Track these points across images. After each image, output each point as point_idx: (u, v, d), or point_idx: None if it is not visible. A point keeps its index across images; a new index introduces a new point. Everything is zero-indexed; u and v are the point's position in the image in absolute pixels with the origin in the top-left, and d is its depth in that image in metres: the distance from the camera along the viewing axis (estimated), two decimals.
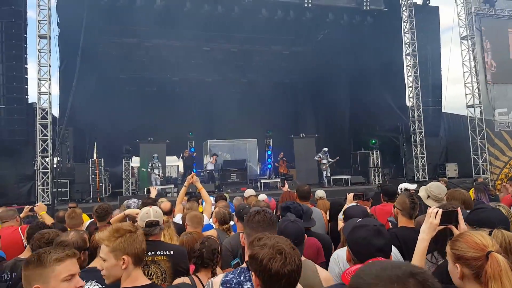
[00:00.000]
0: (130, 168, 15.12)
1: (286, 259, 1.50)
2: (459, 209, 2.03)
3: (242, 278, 1.83)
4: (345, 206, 4.04)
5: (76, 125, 14.41)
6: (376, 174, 16.23)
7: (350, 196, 4.31)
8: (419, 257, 1.98)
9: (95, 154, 16.33)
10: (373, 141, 16.49)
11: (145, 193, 12.44)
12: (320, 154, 15.96)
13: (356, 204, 3.66)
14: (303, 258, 2.31)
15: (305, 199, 4.70)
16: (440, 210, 1.99)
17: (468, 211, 2.36)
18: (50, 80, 12.56)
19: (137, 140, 15.48)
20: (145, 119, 17.17)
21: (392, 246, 2.59)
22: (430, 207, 3.00)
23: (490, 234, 1.64)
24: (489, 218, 2.05)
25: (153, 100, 17.85)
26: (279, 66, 18.88)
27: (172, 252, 2.62)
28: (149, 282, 1.96)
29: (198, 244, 2.40)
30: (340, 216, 3.82)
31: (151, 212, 2.67)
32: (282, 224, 2.36)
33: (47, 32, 12.52)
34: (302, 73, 19.02)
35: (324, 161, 15.81)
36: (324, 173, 15.87)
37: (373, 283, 0.86)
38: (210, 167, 16.07)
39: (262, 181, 15.71)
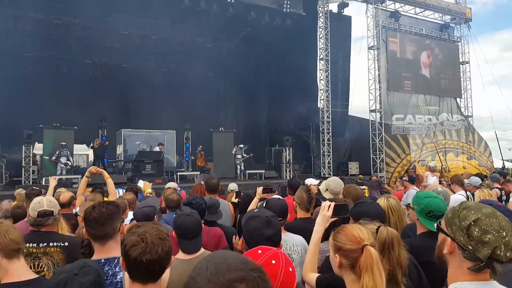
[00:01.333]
0: (31, 155, 13.70)
1: (147, 248, 1.54)
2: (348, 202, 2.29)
3: (117, 269, 1.88)
4: (255, 199, 4.26)
5: None
6: (288, 169, 17.14)
7: (259, 189, 4.53)
8: (313, 246, 2.17)
9: None
10: (286, 138, 17.38)
11: (43, 183, 11.44)
12: (235, 149, 16.37)
13: (279, 197, 3.85)
14: (202, 249, 2.43)
15: (213, 192, 4.79)
16: (333, 204, 2.20)
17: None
18: None
19: (41, 125, 14.09)
20: (51, 103, 15.57)
21: (303, 239, 2.80)
22: (326, 199, 3.34)
23: (377, 229, 1.81)
24: (368, 212, 2.31)
25: (61, 83, 16.26)
26: (201, 58, 18.71)
27: (66, 244, 2.53)
28: (33, 276, 1.86)
29: (85, 234, 2.34)
30: (253, 206, 4.01)
31: (44, 202, 2.55)
32: (178, 218, 2.39)
33: None
34: (224, 68, 19.10)
35: (239, 156, 16.29)
36: (238, 167, 16.31)
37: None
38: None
39: (179, 173, 15.51)
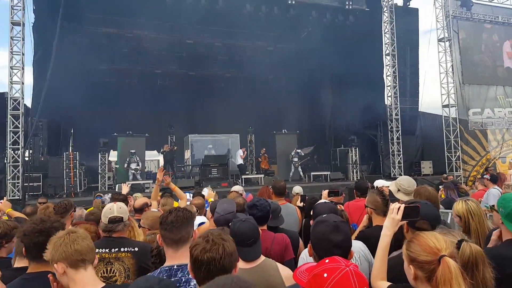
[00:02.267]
0: (106, 162, 14.79)
1: (208, 246, 1.55)
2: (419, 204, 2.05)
3: (190, 276, 1.84)
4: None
5: (51, 117, 13.98)
6: (355, 171, 16.50)
7: (325, 193, 4.34)
8: (381, 252, 2.00)
9: (70, 148, 15.91)
10: (351, 137, 16.87)
11: (116, 189, 12.25)
12: (292, 153, 16.33)
13: (324, 201, 3.67)
14: (263, 257, 2.34)
15: (280, 195, 4.67)
16: (403, 206, 2.01)
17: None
18: (23, 69, 12.14)
19: (115, 134, 15.18)
20: (124, 112, 16.72)
21: (363, 245, 2.64)
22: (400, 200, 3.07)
23: (458, 245, 1.64)
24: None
25: (133, 93, 17.43)
26: (263, 62, 18.83)
27: (136, 249, 2.58)
28: (101, 285, 1.89)
29: (154, 243, 2.36)
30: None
31: (115, 208, 2.62)
32: (235, 225, 2.35)
33: (21, 19, 12.07)
34: (286, 70, 19.04)
35: (295, 159, 16.22)
36: (293, 169, 16.28)
37: None
38: (240, 161, 16.36)
39: (244, 177, 15.72)
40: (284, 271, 2.26)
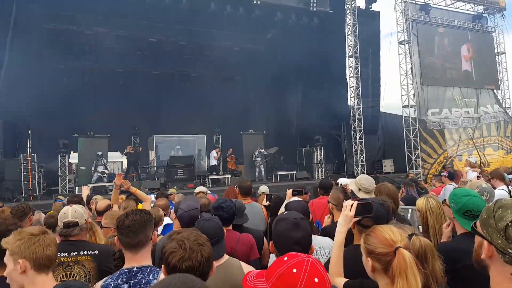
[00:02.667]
0: (67, 164, 14.21)
1: (186, 254, 1.52)
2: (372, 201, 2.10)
3: (119, 281, 1.86)
4: (285, 202, 4.13)
5: (6, 118, 13.29)
6: (319, 170, 16.85)
7: (289, 192, 4.39)
8: (337, 249, 2.03)
9: (28, 149, 15.12)
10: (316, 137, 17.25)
11: (76, 191, 11.81)
12: (255, 153, 16.50)
13: (298, 200, 3.74)
14: (226, 256, 2.35)
15: (246, 195, 4.69)
16: (356, 203, 2.06)
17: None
18: None
19: (75, 135, 14.61)
20: (85, 112, 16.15)
21: (330, 240, 2.69)
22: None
23: (409, 238, 1.67)
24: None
25: (93, 92, 16.85)
26: (229, 62, 18.81)
27: (97, 252, 2.52)
28: None
29: (117, 246, 2.30)
30: (282, 210, 3.88)
31: (69, 212, 2.54)
32: (198, 224, 2.33)
33: None
34: (252, 70, 19.10)
35: (258, 159, 16.46)
36: (257, 169, 16.49)
37: None
38: (214, 162, 16.34)
39: (210, 177, 15.62)
40: (248, 270, 2.27)
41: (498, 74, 20.69)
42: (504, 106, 20.40)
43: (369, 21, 18.07)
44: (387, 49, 22.12)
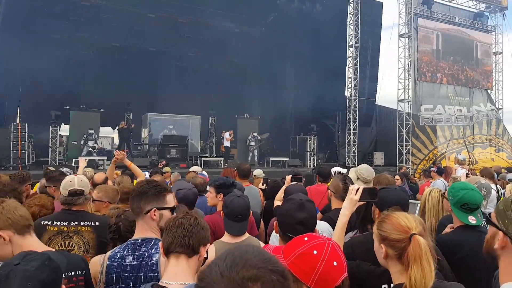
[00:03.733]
0: (58, 136, 14.01)
1: (181, 215, 1.64)
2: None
3: (125, 252, 1.88)
4: (283, 187, 4.15)
5: None
6: (312, 158, 16.92)
7: (288, 178, 4.40)
8: (339, 231, 2.05)
9: (18, 118, 14.83)
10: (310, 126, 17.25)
11: (73, 164, 11.68)
12: (249, 137, 16.52)
13: (296, 183, 3.77)
14: (247, 234, 2.45)
15: (245, 177, 4.75)
16: (361, 187, 2.08)
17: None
18: None
19: (68, 107, 14.34)
20: (78, 84, 15.80)
21: (329, 226, 2.73)
22: None
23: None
24: (390, 196, 2.16)
25: (88, 65, 16.45)
26: (228, 43, 18.53)
27: (97, 223, 2.48)
28: (48, 249, 1.84)
29: (113, 218, 2.28)
30: (281, 194, 3.91)
31: (76, 180, 2.49)
32: (229, 199, 2.42)
33: None
34: (251, 54, 18.88)
35: (252, 143, 16.49)
36: (250, 154, 16.49)
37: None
38: (227, 143, 16.17)
39: (203, 158, 15.58)
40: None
41: (494, 74, 20.86)
42: (497, 106, 20.64)
43: (371, 11, 17.90)
44: (387, 41, 22.09)
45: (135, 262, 1.84)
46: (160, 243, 1.63)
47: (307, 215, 1.87)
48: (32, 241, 1.77)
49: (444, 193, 2.62)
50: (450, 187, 2.49)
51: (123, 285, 1.82)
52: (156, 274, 1.81)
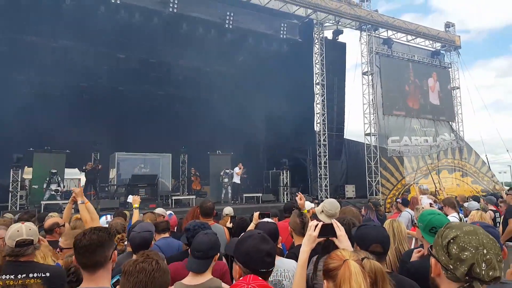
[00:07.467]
0: (19, 180, 13.34)
1: (142, 259, 1.63)
2: (333, 221, 2.13)
3: None
4: (252, 224, 4.09)
5: None
6: (285, 193, 16.92)
7: (256, 214, 4.36)
8: (300, 268, 2.05)
9: None
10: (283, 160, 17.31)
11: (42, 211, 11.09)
12: (221, 173, 16.26)
13: (267, 220, 3.72)
14: (210, 275, 2.37)
15: (207, 216, 4.61)
16: (320, 223, 2.09)
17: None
18: None
19: (31, 149, 13.83)
20: (43, 126, 15.24)
21: (295, 262, 2.71)
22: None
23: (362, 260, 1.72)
24: (369, 234, 2.21)
25: (54, 105, 15.99)
26: (198, 82, 18.76)
27: (48, 274, 2.33)
28: None
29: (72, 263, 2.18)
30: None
31: (23, 230, 2.35)
32: (197, 235, 2.44)
33: None
34: (222, 92, 19.14)
35: (226, 180, 16.17)
36: (224, 191, 16.12)
37: None
38: (237, 179, 15.60)
39: (174, 197, 15.23)
40: None
41: (454, 108, 22.05)
42: (458, 136, 21.67)
43: (335, 51, 18.82)
44: (352, 79, 23.17)
45: None
46: None
47: (271, 245, 1.90)
48: None
49: (415, 223, 2.75)
50: (419, 215, 2.60)
51: None
52: None
